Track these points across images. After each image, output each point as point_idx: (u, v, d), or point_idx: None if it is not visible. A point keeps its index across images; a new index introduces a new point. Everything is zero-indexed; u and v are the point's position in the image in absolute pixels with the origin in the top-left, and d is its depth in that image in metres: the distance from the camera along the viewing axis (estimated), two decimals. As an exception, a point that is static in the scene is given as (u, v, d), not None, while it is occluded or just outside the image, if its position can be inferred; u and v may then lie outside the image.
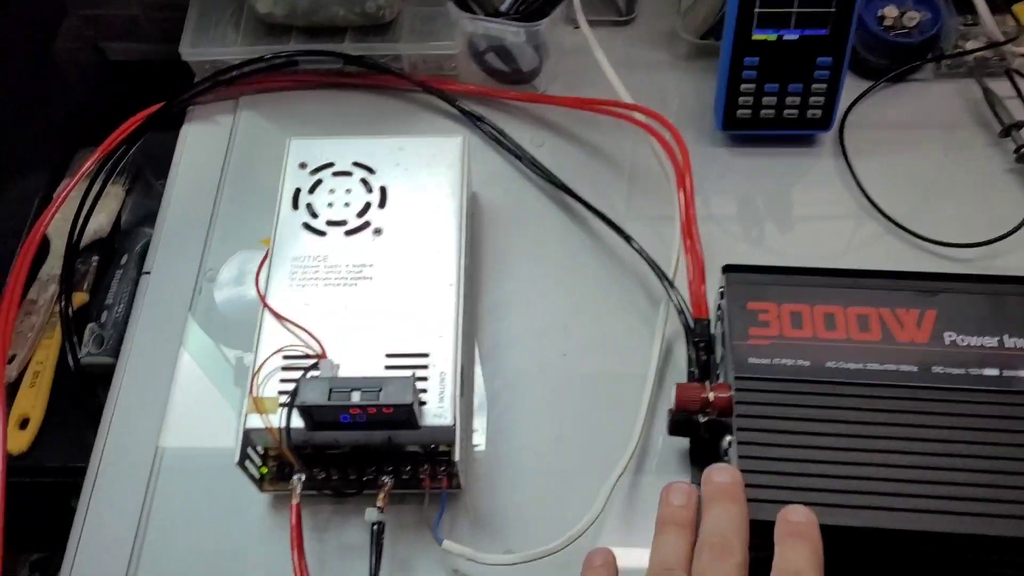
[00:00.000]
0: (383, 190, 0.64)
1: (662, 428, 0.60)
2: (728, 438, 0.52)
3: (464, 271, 0.60)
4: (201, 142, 0.77)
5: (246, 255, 0.70)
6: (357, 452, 0.56)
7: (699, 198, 0.66)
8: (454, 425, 0.53)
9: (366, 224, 0.62)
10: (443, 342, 0.57)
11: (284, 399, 0.54)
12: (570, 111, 0.75)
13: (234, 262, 0.70)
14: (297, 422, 0.54)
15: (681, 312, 0.60)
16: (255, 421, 0.54)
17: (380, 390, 0.52)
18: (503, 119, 0.75)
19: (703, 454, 0.58)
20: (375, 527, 0.54)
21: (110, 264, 0.77)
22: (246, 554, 0.57)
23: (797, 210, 0.70)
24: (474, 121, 0.75)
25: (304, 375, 0.54)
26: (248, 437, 0.54)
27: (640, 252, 0.64)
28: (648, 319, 0.65)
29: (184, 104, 0.78)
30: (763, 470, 0.49)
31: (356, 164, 0.65)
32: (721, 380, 0.55)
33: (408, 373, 0.54)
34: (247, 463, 0.55)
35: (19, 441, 0.69)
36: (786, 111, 0.70)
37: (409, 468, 0.57)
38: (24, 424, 0.69)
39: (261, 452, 0.57)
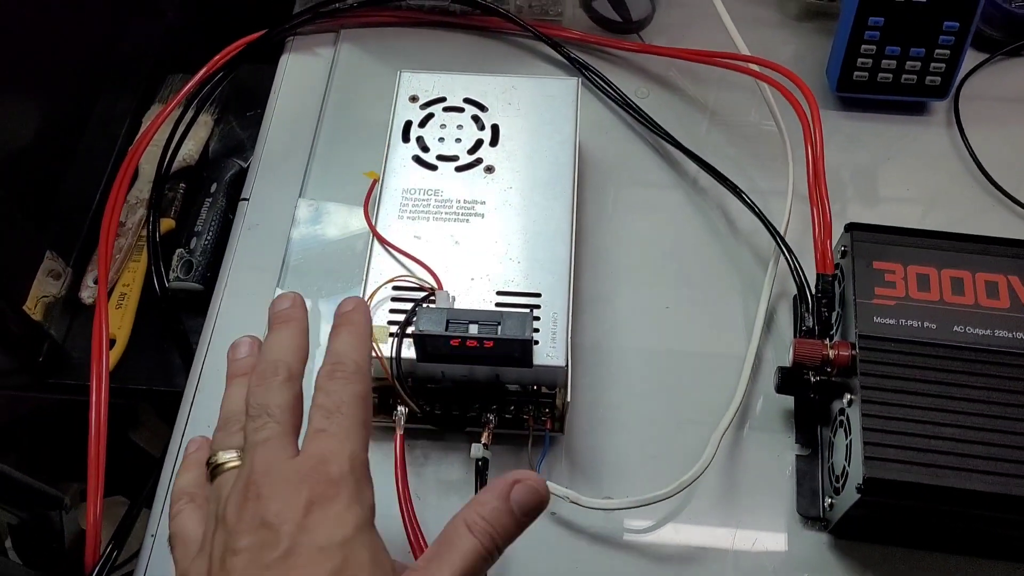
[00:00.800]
0: (495, 128, 0.63)
1: (764, 386, 0.59)
2: (847, 397, 0.51)
3: (575, 217, 0.59)
4: (301, 72, 0.76)
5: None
6: (461, 388, 0.56)
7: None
8: (566, 366, 0.53)
9: (478, 161, 0.61)
10: (555, 283, 0.56)
11: (395, 329, 0.54)
12: (674, 63, 0.74)
13: (311, 204, 0.70)
14: (407, 352, 0.53)
15: (794, 270, 0.59)
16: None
17: (498, 324, 0.51)
18: (607, 68, 0.74)
19: (809, 413, 0.57)
20: (479, 463, 0.53)
21: (198, 192, 0.76)
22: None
23: (908, 177, 0.69)
24: (579, 68, 0.73)
25: (420, 304, 0.53)
26: (360, 363, 0.54)
27: (752, 206, 0.63)
28: (752, 277, 0.64)
29: (284, 34, 0.77)
30: (890, 430, 0.48)
31: (468, 101, 0.64)
32: (838, 340, 0.54)
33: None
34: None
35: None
36: (904, 76, 0.68)
37: (513, 408, 0.56)
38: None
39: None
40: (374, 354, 0.53)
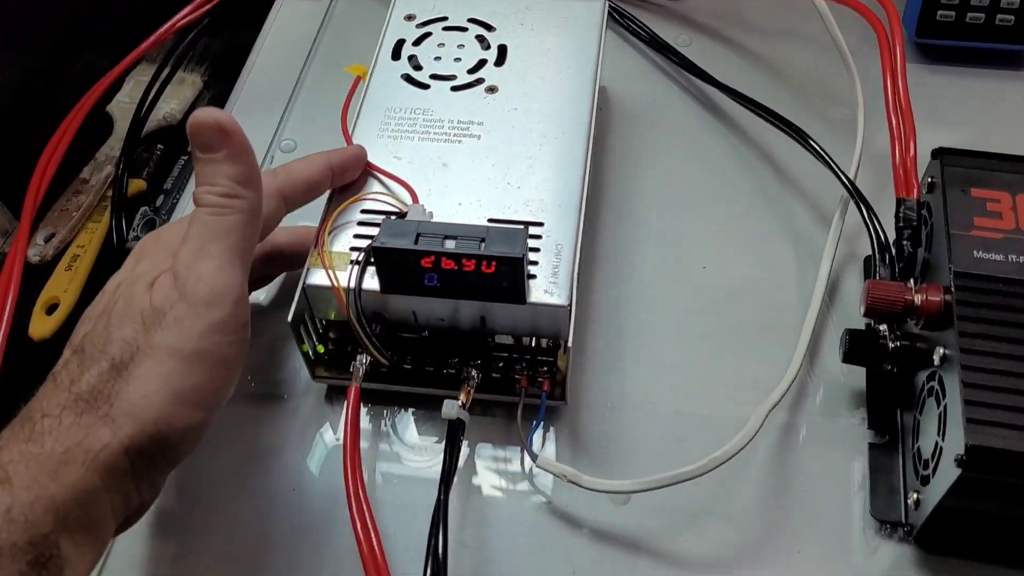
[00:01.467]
0: (502, 49, 0.53)
1: (827, 364, 0.47)
2: (940, 353, 0.38)
3: (590, 149, 0.48)
4: (293, 15, 0.67)
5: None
6: (438, 338, 0.44)
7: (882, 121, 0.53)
8: (569, 306, 0.41)
9: (479, 81, 0.51)
10: (562, 212, 0.45)
11: (358, 256, 0.43)
12: (718, 12, 0.64)
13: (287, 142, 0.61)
14: (371, 283, 0.42)
15: (868, 220, 0.47)
16: (318, 277, 0.42)
17: (482, 240, 0.40)
18: (644, 16, 0.64)
19: (885, 392, 0.44)
20: (452, 425, 0.42)
21: (177, 154, 0.68)
22: (284, 450, 0.45)
23: (1001, 139, 0.57)
24: (612, 16, 0.63)
25: (386, 218, 0.43)
26: (307, 297, 0.43)
27: (814, 148, 0.51)
28: (810, 237, 0.52)
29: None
30: (998, 386, 0.35)
31: (473, 21, 0.54)
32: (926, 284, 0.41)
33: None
34: (302, 336, 0.44)
35: (43, 326, 0.58)
36: (1000, 16, 0.57)
37: (502, 365, 0.45)
38: (52, 309, 0.59)
39: (322, 324, 0.46)
40: (330, 284, 0.42)
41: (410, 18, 0.55)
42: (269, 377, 0.48)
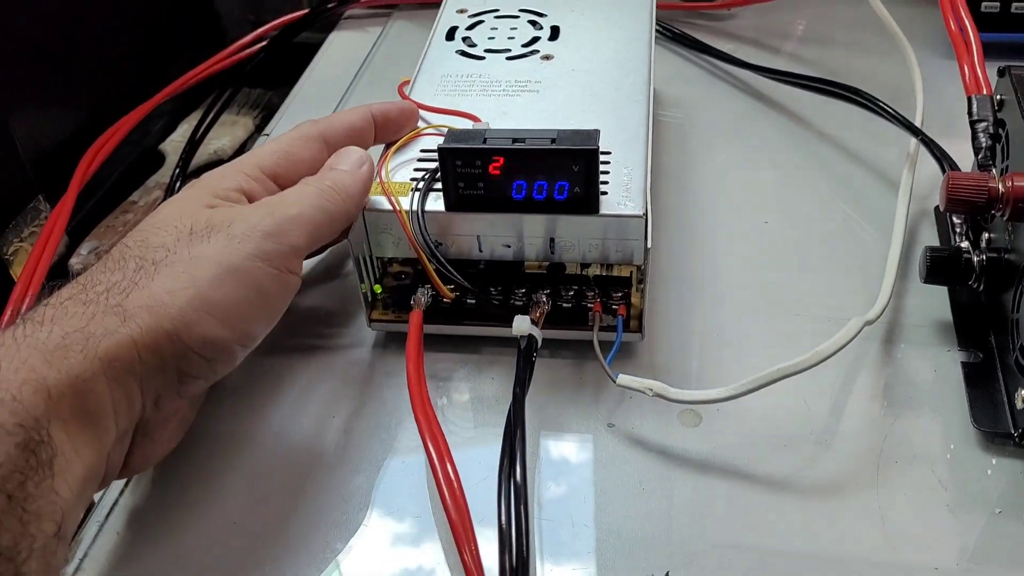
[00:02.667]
0: (555, 28, 0.53)
1: (907, 300, 0.44)
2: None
3: (652, 98, 0.47)
4: (344, 45, 0.69)
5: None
6: (503, 269, 0.42)
7: (934, 106, 0.52)
8: (644, 215, 0.39)
9: (533, 52, 0.51)
10: (628, 141, 0.43)
11: (419, 184, 0.41)
12: (760, 28, 0.65)
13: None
14: (434, 204, 0.40)
15: (939, 155, 0.46)
16: (379, 202, 0.41)
17: (553, 140, 0.38)
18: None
19: (973, 315, 0.41)
20: (524, 343, 0.39)
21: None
22: (338, 399, 0.42)
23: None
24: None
25: (450, 130, 0.41)
26: (366, 225, 0.41)
27: (873, 104, 0.50)
28: (870, 192, 0.51)
29: (327, 13, 0.71)
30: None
31: (524, 10, 0.55)
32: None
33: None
34: (363, 273, 0.42)
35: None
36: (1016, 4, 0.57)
37: (572, 293, 0.42)
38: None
39: (379, 264, 0.44)
40: (391, 208, 0.40)
41: (462, 11, 0.56)
42: (318, 330, 0.45)
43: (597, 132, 0.39)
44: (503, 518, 0.32)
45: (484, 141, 0.38)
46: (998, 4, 0.58)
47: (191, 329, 0.33)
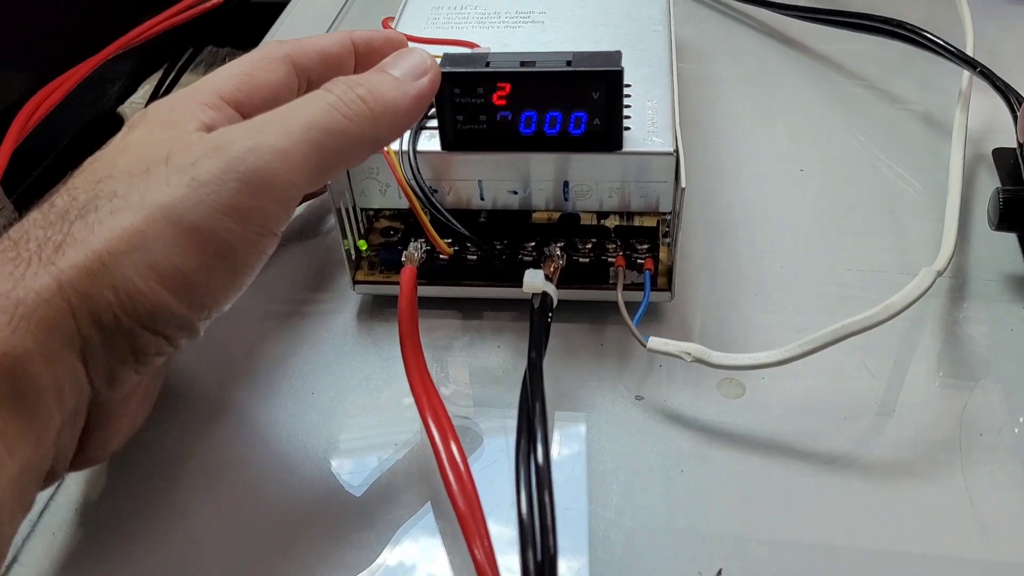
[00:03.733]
0: (558, -41, 0.47)
1: (971, 254, 0.39)
2: None
3: (673, 31, 0.42)
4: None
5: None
6: (508, 221, 0.36)
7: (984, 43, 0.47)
8: (675, 152, 0.33)
9: (535, -17, 0.45)
10: (652, 74, 0.38)
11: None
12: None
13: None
14: (429, 144, 0.34)
15: (1002, 87, 0.40)
16: (364, 142, 0.35)
17: (568, 62, 0.32)
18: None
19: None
20: (538, 302, 0.33)
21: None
22: (320, 368, 0.36)
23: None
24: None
25: (446, 54, 0.35)
26: (348, 170, 0.35)
27: (919, 33, 0.45)
28: (914, 132, 0.45)
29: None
30: None
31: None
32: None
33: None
34: (345, 227, 0.36)
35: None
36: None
37: (591, 247, 0.36)
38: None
39: (368, 215, 0.38)
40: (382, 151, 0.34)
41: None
42: (293, 295, 0.39)
43: (619, 53, 0.33)
44: (523, 507, 0.26)
45: (487, 65, 0.33)
46: None
47: (138, 302, 0.26)
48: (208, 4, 0.63)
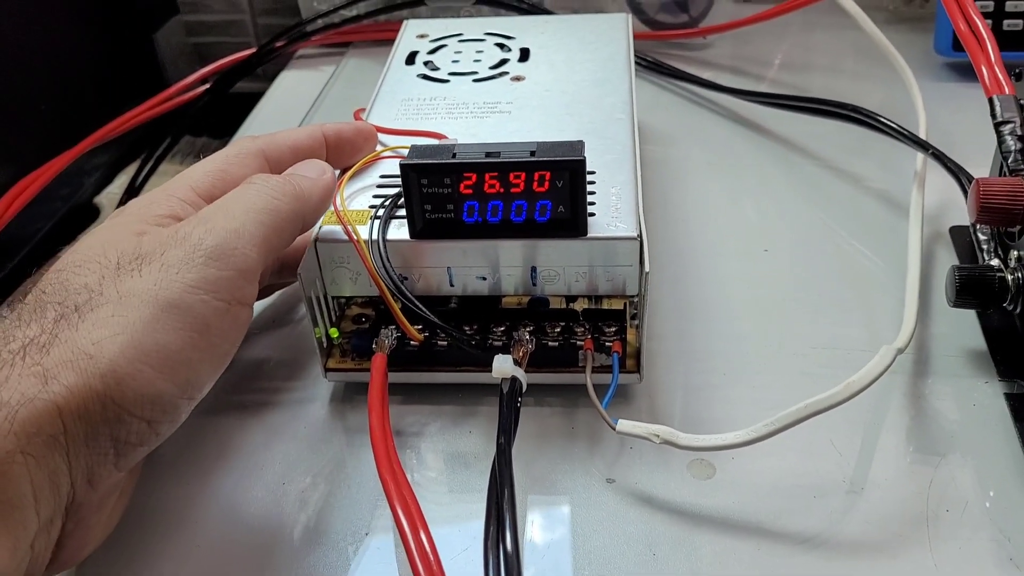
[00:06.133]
0: (524, 51, 0.49)
1: (930, 327, 0.39)
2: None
3: (636, 116, 0.43)
4: (296, 83, 0.64)
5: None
6: (478, 307, 0.37)
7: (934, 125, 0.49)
8: (639, 237, 0.34)
9: (503, 73, 0.47)
10: (615, 160, 0.39)
11: (379, 212, 0.36)
12: (739, 56, 0.62)
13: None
14: (398, 232, 0.35)
15: (953, 168, 0.41)
16: (334, 232, 0.35)
17: (532, 152, 0.33)
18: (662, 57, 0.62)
19: (1011, 341, 0.37)
20: (507, 386, 0.33)
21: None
22: (293, 461, 0.36)
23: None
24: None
25: (414, 146, 0.36)
26: (318, 256, 0.36)
27: (871, 120, 0.46)
28: (870, 211, 0.47)
29: (273, 54, 0.66)
30: None
31: (491, 33, 0.51)
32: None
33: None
34: (316, 315, 0.36)
35: None
36: (1036, 20, 0.54)
37: (560, 331, 0.37)
38: None
39: (339, 303, 0.38)
40: (350, 237, 0.35)
41: (422, 36, 0.51)
42: (266, 385, 0.39)
43: (582, 143, 0.34)
44: (492, 597, 0.26)
45: (453, 156, 0.33)
46: (1021, 22, 0.55)
47: (125, 385, 0.27)
48: (185, 96, 0.65)
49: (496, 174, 0.33)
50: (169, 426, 0.29)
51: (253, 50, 0.65)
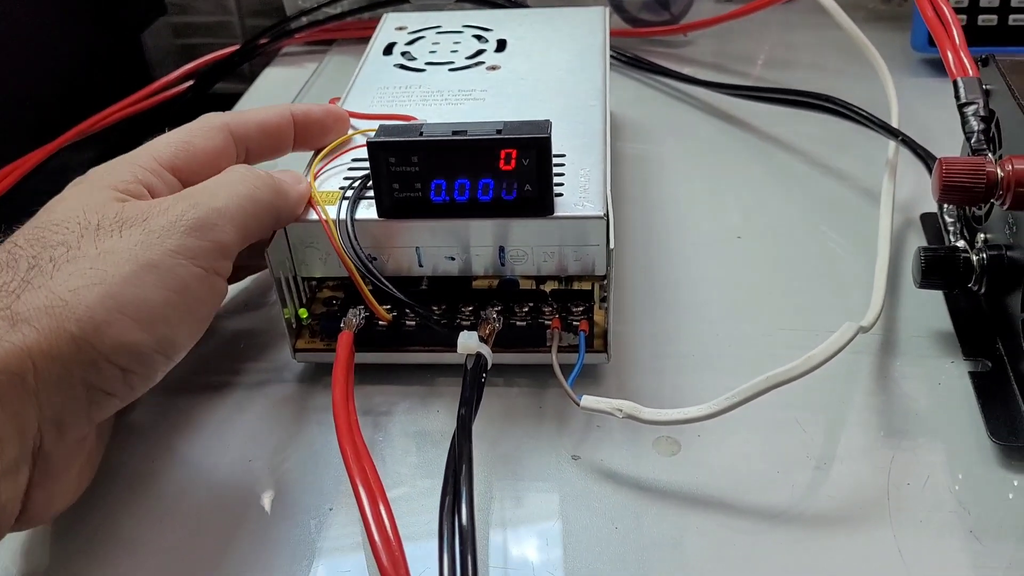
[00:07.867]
0: (501, 42, 0.49)
1: (898, 311, 0.40)
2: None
3: (608, 105, 0.43)
4: (276, 80, 0.65)
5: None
6: (448, 287, 0.37)
7: (907, 116, 0.49)
8: (606, 216, 0.34)
9: (479, 63, 0.47)
10: (584, 145, 0.39)
11: (349, 192, 0.36)
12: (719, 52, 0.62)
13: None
14: (366, 212, 0.35)
15: (922, 155, 0.42)
16: (303, 213, 0.36)
17: (499, 131, 0.34)
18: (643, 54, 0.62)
19: (975, 322, 0.37)
20: (472, 363, 0.33)
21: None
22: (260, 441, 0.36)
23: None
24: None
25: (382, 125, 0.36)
26: (288, 239, 0.36)
27: (845, 111, 0.47)
28: (844, 200, 0.47)
29: (256, 51, 0.66)
30: None
31: (469, 26, 0.51)
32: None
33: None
34: (285, 296, 0.36)
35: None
36: (1014, 17, 0.55)
37: (528, 311, 0.37)
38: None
39: (307, 286, 0.38)
40: (320, 217, 0.35)
41: (401, 28, 0.52)
42: (234, 365, 0.39)
43: (548, 122, 0.34)
44: (446, 567, 0.26)
45: (420, 134, 0.34)
46: (995, 17, 0.55)
47: (102, 331, 0.27)
48: (168, 93, 0.65)
49: (463, 152, 0.33)
50: (143, 381, 0.29)
51: (237, 46, 0.66)
